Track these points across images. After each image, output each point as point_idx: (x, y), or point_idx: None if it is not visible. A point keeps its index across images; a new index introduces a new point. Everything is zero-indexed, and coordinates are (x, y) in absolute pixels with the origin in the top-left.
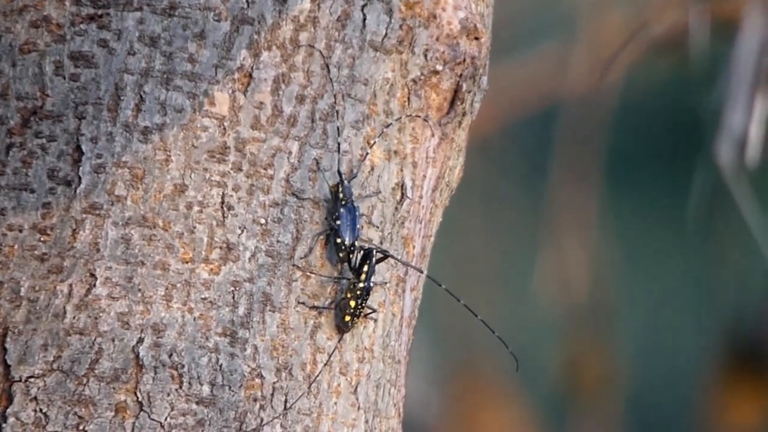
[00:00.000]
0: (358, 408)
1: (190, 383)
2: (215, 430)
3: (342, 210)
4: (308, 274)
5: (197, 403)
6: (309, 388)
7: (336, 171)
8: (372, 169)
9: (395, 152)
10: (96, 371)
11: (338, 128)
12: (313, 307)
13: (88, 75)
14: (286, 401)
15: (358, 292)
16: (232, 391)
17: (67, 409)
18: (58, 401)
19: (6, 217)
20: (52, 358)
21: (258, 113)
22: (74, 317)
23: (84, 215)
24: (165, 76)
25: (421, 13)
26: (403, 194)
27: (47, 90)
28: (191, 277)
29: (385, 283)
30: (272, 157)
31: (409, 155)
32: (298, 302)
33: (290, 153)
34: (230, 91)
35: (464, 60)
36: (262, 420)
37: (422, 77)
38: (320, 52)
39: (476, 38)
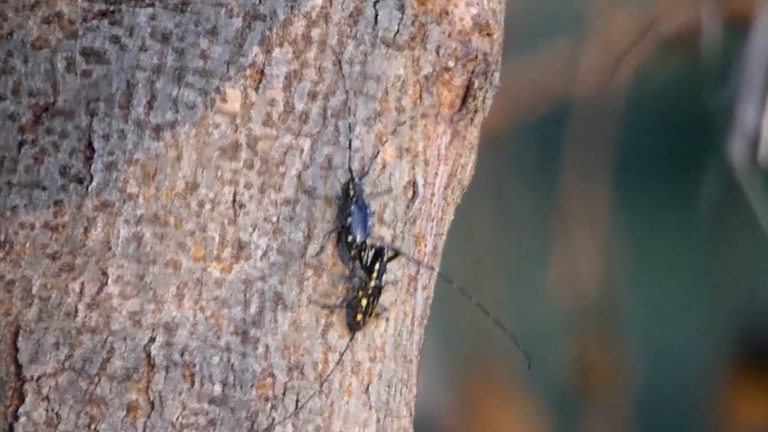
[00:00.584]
0: (370, 407)
1: (201, 382)
2: (227, 429)
3: (353, 208)
4: (320, 272)
5: (209, 403)
6: (320, 387)
7: (347, 168)
8: (384, 166)
9: (407, 150)
10: (108, 370)
11: (350, 125)
12: (325, 306)
13: (99, 71)
14: (297, 401)
15: (370, 291)
16: (244, 390)
17: (79, 409)
18: (70, 400)
19: (17, 215)
20: (63, 357)
21: (270, 110)
22: (86, 316)
23: (96, 213)
24: (177, 72)
25: (433, 9)
26: (414, 192)
27: (59, 87)
28: (203, 275)
29: (397, 281)
30: (284, 155)
31: (420, 153)
32: (310, 301)
33: (302, 150)
34: (242, 88)
35: (476, 56)
36: (273, 419)
37: (434, 74)
38: (332, 48)
39: (488, 34)
